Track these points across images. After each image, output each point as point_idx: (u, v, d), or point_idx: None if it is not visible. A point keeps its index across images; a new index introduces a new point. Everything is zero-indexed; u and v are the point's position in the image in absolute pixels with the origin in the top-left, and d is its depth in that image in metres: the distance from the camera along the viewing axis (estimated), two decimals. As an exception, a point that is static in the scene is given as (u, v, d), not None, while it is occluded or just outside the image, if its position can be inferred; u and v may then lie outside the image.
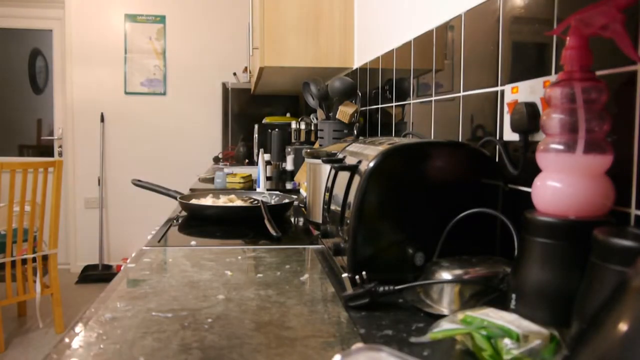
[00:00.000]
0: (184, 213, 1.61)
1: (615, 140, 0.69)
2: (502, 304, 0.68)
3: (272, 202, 1.64)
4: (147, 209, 4.45)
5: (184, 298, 0.84)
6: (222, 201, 1.61)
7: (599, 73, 0.70)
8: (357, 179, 0.92)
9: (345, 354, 0.53)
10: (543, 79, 0.87)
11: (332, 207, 1.06)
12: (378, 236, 0.89)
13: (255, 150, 3.27)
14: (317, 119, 2.78)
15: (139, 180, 1.70)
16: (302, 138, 2.79)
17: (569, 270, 0.63)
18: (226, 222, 1.49)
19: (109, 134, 4.66)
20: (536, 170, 0.70)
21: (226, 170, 2.84)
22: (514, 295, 0.67)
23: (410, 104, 1.56)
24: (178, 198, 1.62)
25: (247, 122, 3.86)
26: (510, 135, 0.96)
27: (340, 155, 1.14)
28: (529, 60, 0.94)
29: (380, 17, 1.95)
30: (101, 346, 0.65)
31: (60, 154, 4.76)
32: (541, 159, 0.68)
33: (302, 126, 2.80)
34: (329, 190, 1.08)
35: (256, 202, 1.60)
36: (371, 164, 0.88)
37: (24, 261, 3.13)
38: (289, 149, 2.54)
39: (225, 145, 4.04)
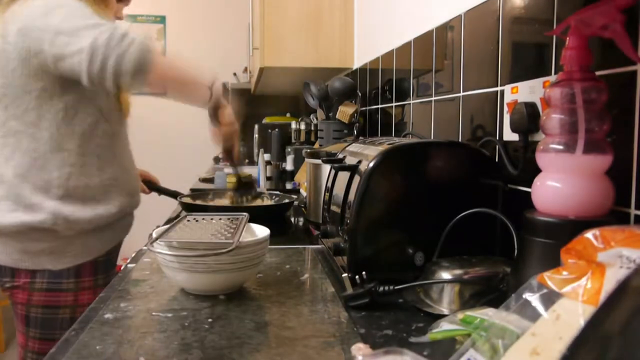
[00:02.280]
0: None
1: (615, 140, 0.69)
2: (502, 304, 0.67)
3: (272, 202, 1.65)
4: (147, 208, 4.45)
5: (184, 298, 0.84)
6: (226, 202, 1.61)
7: (599, 73, 0.70)
8: (357, 179, 0.92)
9: (369, 357, 0.54)
10: (543, 79, 0.87)
11: (332, 207, 1.06)
12: (378, 236, 0.89)
13: (255, 150, 3.27)
14: (317, 119, 2.78)
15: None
16: (302, 138, 2.79)
17: (568, 270, 0.62)
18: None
19: (109, 134, 4.65)
20: (536, 170, 0.70)
21: (226, 170, 2.84)
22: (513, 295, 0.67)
23: (410, 104, 1.56)
24: (179, 198, 1.62)
25: (247, 122, 3.85)
26: (510, 135, 0.96)
27: (340, 155, 1.15)
28: (529, 60, 0.94)
29: (380, 17, 1.95)
30: (101, 346, 0.65)
31: (60, 154, 4.75)
32: (541, 159, 0.68)
33: (302, 126, 2.80)
34: (329, 190, 1.08)
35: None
36: (371, 164, 0.88)
37: (24, 261, 3.13)
38: (289, 149, 2.54)
39: (225, 146, 4.04)
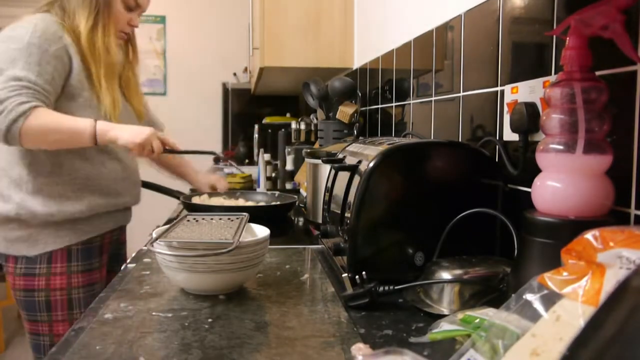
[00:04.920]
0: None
1: (615, 140, 0.69)
2: (502, 304, 0.67)
3: (272, 202, 1.64)
4: (148, 208, 4.44)
5: (184, 298, 0.84)
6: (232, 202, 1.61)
7: (599, 73, 0.70)
8: (357, 179, 0.92)
9: (369, 357, 0.54)
10: (543, 79, 0.87)
11: (332, 207, 1.06)
12: (378, 236, 0.89)
13: (256, 150, 3.27)
14: (317, 119, 2.78)
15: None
16: (302, 138, 2.79)
17: (568, 270, 0.62)
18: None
19: (109, 134, 4.64)
20: (536, 170, 0.70)
21: (226, 170, 2.84)
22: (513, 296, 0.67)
23: (410, 104, 1.56)
24: (181, 198, 1.63)
25: (247, 122, 3.86)
26: (510, 135, 0.96)
27: (340, 155, 1.14)
28: (529, 60, 0.94)
29: (380, 17, 1.95)
30: (101, 346, 0.65)
31: (60, 154, 4.75)
32: (541, 159, 0.68)
33: (302, 126, 2.80)
34: (329, 190, 1.08)
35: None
36: (371, 164, 0.88)
37: (24, 261, 3.13)
38: (289, 149, 2.54)
39: (225, 145, 4.04)
